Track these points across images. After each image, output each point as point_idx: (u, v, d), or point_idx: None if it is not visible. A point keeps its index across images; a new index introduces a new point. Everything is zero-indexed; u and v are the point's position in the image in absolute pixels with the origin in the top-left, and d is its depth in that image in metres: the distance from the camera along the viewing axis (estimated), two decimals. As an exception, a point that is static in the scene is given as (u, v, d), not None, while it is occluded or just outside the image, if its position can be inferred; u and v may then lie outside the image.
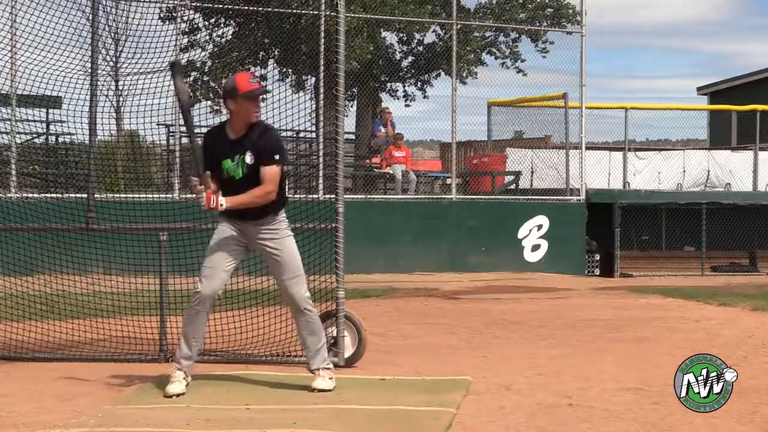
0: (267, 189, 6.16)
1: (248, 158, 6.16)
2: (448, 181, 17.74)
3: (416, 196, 16.94)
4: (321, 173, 15.30)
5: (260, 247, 6.34)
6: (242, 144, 6.17)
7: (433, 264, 15.60)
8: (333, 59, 7.61)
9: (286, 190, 6.51)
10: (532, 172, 18.77)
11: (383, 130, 18.17)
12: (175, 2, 15.27)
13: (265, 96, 6.72)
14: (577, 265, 16.56)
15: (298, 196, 13.81)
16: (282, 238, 6.31)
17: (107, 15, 9.32)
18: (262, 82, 6.40)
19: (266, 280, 7.38)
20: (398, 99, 22.83)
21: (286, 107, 7.77)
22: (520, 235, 16.34)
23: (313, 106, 15.33)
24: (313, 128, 15.87)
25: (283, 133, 15.68)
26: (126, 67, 9.46)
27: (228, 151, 6.19)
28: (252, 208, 6.22)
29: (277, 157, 6.17)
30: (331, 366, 6.51)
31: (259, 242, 6.31)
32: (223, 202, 6.11)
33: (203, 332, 6.45)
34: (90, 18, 7.99)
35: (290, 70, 20.65)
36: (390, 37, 22.02)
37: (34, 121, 14.79)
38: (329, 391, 6.28)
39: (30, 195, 12.00)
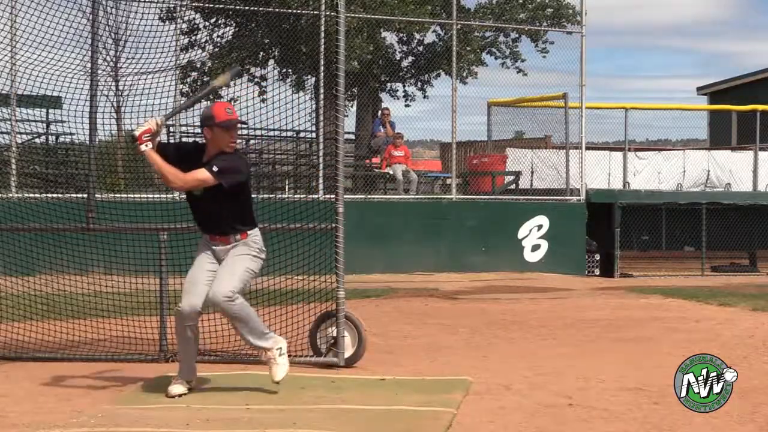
0: (180, 177, 6.04)
1: None
2: (448, 181, 17.73)
3: (416, 196, 16.93)
4: (321, 173, 15.30)
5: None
6: (209, 163, 6.13)
7: (433, 264, 15.58)
8: (333, 59, 7.61)
9: (254, 213, 6.34)
10: (532, 172, 18.76)
11: (383, 130, 18.18)
12: (175, 2, 15.28)
13: (243, 123, 6.66)
14: (577, 265, 16.55)
15: (298, 196, 13.83)
16: (242, 255, 6.18)
17: (107, 15, 9.34)
18: (238, 114, 6.35)
19: (266, 280, 7.39)
20: (398, 99, 22.87)
21: (286, 107, 7.78)
22: (520, 235, 16.33)
23: (313, 106, 15.34)
24: (313, 128, 15.89)
25: (283, 133, 15.81)
26: (126, 68, 9.46)
27: (197, 168, 6.15)
28: (218, 227, 6.17)
29: (214, 168, 6.06)
30: (279, 345, 6.27)
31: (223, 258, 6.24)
32: (145, 147, 6.07)
33: (197, 348, 6.39)
34: (90, 18, 7.99)
35: (290, 70, 20.66)
36: (390, 37, 22.05)
37: (34, 121, 14.81)
38: (281, 379, 6.15)
39: (30, 195, 11.99)
